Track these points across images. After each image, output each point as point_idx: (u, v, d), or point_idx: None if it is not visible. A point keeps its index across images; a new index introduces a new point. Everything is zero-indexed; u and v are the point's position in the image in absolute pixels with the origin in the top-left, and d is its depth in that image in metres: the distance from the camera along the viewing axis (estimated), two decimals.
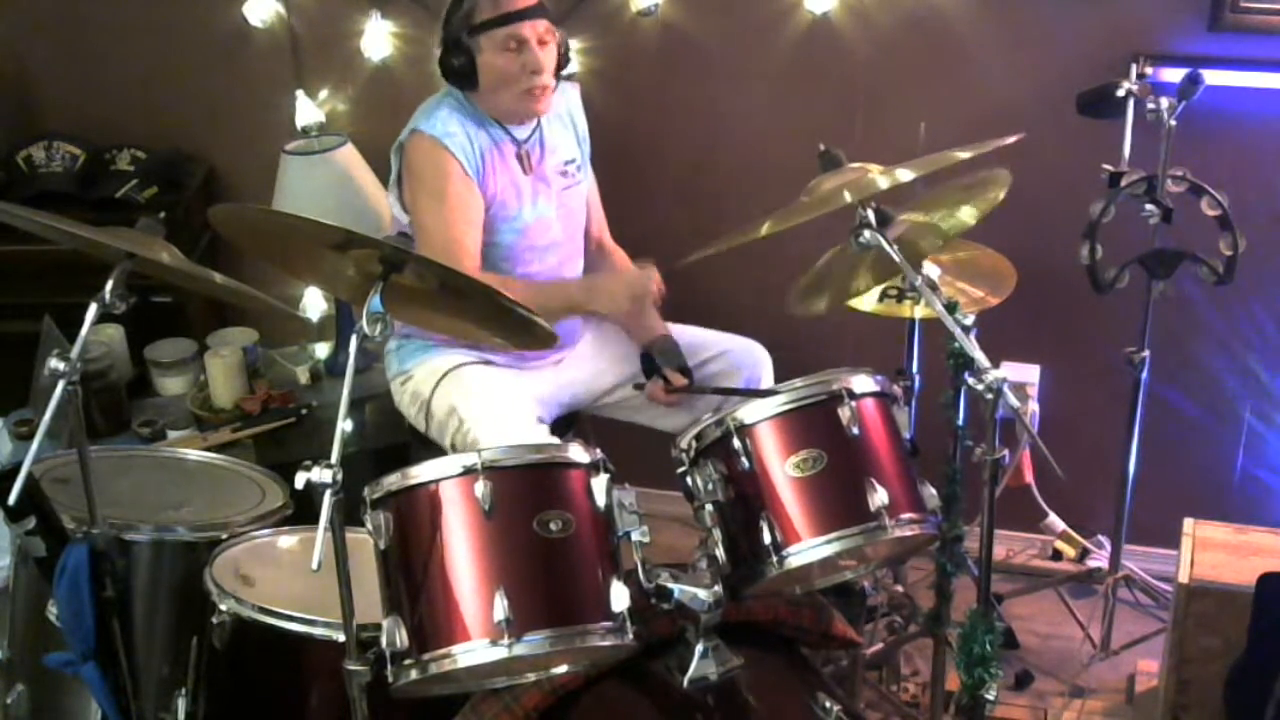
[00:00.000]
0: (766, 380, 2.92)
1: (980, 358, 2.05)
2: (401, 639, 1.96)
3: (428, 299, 2.15)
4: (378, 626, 1.99)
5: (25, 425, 3.13)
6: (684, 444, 2.19)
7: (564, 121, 2.88)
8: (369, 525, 2.01)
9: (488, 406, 2.72)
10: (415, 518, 2.00)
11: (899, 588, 3.15)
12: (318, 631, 2.18)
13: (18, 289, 3.43)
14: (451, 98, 2.75)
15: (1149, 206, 2.83)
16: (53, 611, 2.27)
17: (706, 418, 2.18)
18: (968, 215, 2.37)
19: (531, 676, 2.10)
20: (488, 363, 2.84)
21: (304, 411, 3.21)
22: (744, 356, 2.93)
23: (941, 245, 2.46)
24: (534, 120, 2.82)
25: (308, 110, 3.48)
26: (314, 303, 3.67)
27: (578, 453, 2.07)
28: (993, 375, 2.01)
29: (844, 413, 2.13)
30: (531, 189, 2.80)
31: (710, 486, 2.13)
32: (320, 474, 1.86)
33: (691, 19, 3.25)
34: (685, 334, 2.90)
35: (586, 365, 2.97)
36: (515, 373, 2.87)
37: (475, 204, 2.73)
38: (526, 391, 2.82)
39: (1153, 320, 2.98)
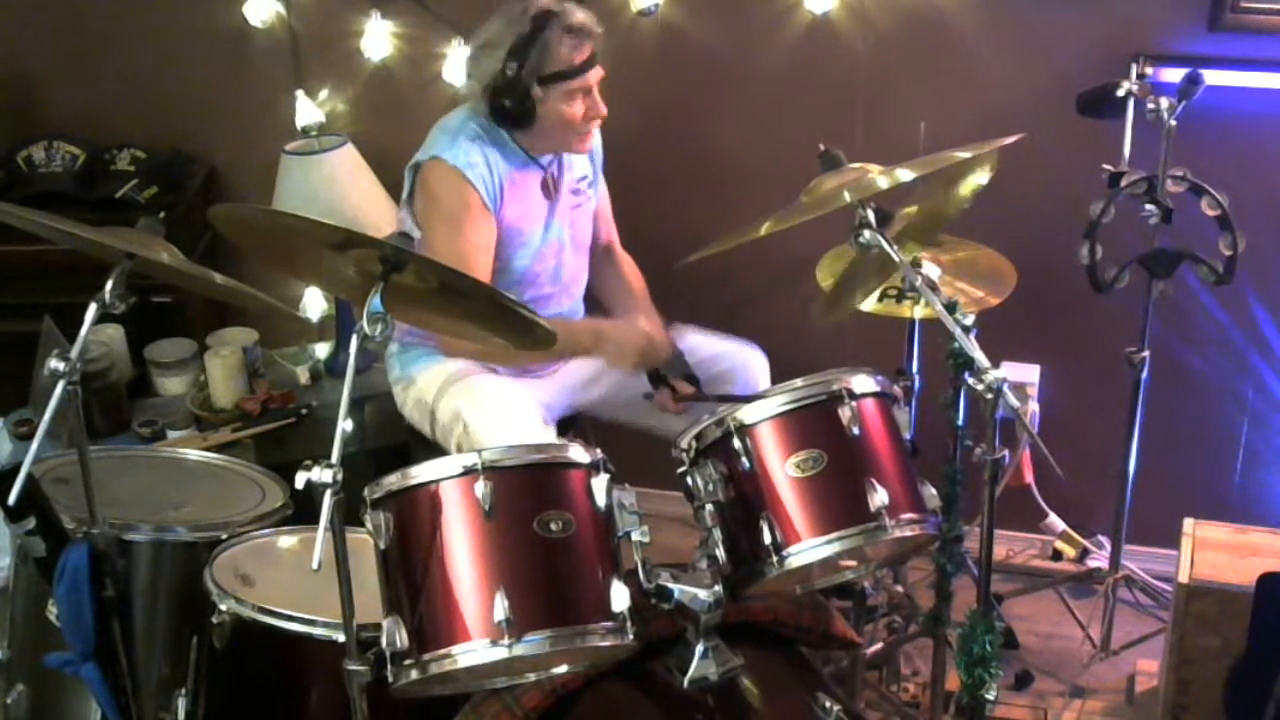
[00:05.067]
0: (764, 385, 2.92)
1: (980, 358, 2.05)
2: (401, 639, 1.96)
3: (428, 299, 2.15)
4: (378, 626, 1.99)
5: (25, 425, 3.12)
6: (684, 444, 2.19)
7: None
8: (369, 525, 2.01)
9: (494, 412, 2.72)
10: (415, 518, 2.00)
11: (899, 588, 3.15)
12: (318, 631, 2.18)
13: (18, 289, 3.43)
14: (474, 124, 2.74)
15: (1149, 206, 2.83)
16: (53, 611, 2.27)
17: (706, 418, 2.18)
18: (978, 179, 2.35)
19: (531, 676, 2.10)
20: (492, 370, 2.85)
21: (304, 411, 3.20)
22: (742, 362, 2.93)
23: (962, 209, 2.44)
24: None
25: (308, 110, 3.48)
26: (314, 303, 3.67)
27: (578, 453, 2.07)
28: (993, 375, 2.01)
29: (844, 413, 2.13)
30: (548, 212, 2.81)
31: (710, 486, 2.13)
32: (320, 474, 1.85)
33: (691, 19, 3.25)
34: (684, 338, 2.89)
35: (588, 369, 2.97)
36: (519, 380, 2.87)
37: (489, 233, 2.73)
38: (531, 396, 2.82)
39: (1153, 320, 2.98)
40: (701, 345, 2.92)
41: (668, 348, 2.78)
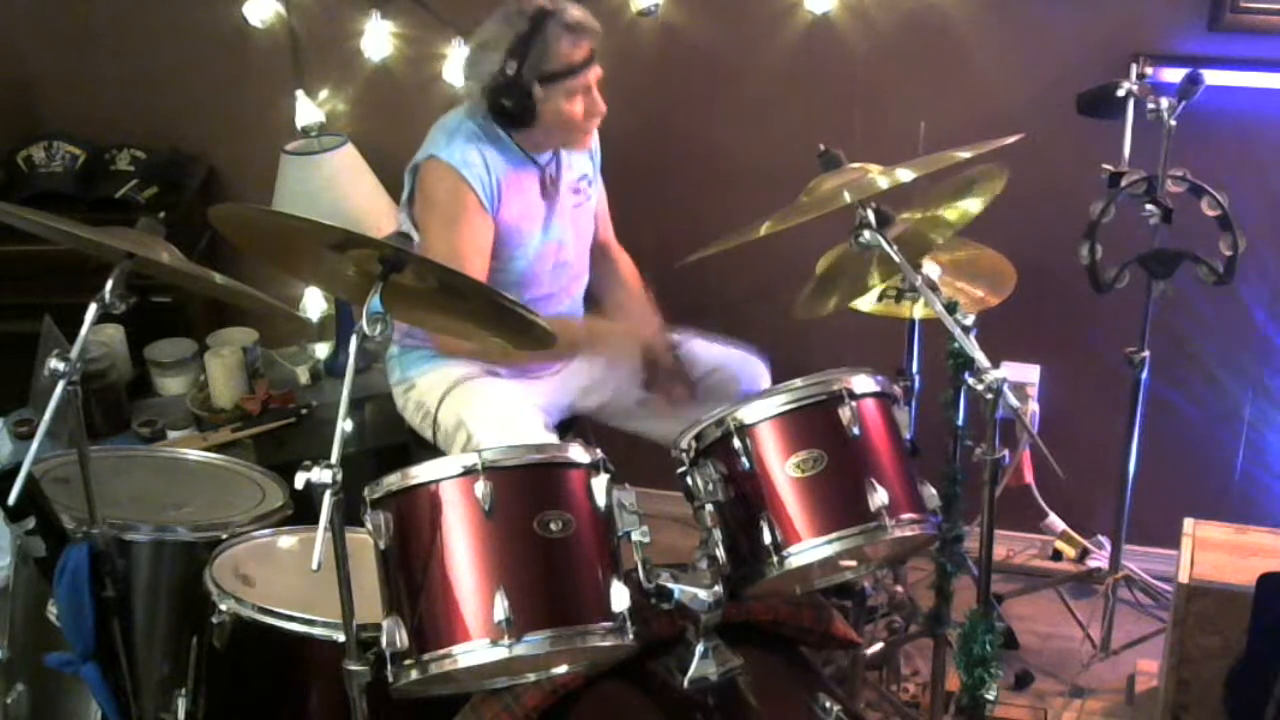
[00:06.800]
0: None
1: (980, 358, 2.05)
2: (401, 639, 1.96)
3: (428, 299, 2.15)
4: (378, 626, 1.99)
5: (25, 425, 3.12)
6: (684, 444, 2.19)
7: None
8: (369, 525, 2.01)
9: (495, 417, 2.71)
10: (415, 518, 2.00)
11: (899, 588, 3.15)
12: (318, 631, 2.18)
13: (18, 289, 3.43)
14: (471, 123, 2.74)
15: (1149, 206, 2.83)
16: (53, 611, 2.26)
17: (706, 418, 2.18)
18: (971, 206, 2.37)
19: (531, 676, 2.10)
20: (492, 374, 2.84)
21: (304, 411, 3.20)
22: (742, 368, 2.92)
23: (948, 236, 2.46)
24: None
25: (308, 110, 3.48)
26: (314, 303, 3.67)
27: (578, 453, 2.07)
28: (993, 375, 2.01)
29: (844, 413, 2.13)
30: (547, 212, 2.81)
31: (710, 486, 2.13)
32: (320, 474, 1.85)
33: (691, 19, 3.25)
34: (684, 344, 2.89)
35: (588, 372, 2.97)
36: (519, 383, 2.86)
37: (486, 233, 2.72)
38: (531, 400, 2.82)
39: (1153, 320, 2.98)
40: (702, 352, 2.91)
41: (667, 350, 2.77)
